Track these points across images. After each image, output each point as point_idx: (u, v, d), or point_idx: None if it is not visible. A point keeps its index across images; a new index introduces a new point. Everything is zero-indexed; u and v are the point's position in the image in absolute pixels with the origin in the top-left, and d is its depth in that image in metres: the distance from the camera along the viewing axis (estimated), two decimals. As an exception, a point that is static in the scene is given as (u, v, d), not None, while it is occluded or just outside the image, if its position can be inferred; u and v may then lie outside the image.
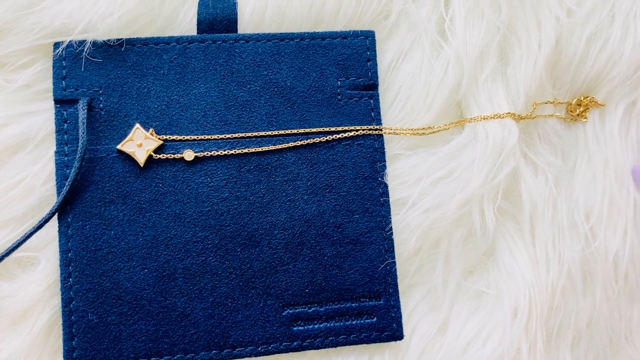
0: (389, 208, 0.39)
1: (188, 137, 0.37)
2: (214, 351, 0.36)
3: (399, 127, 0.40)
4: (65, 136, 0.37)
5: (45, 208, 0.37)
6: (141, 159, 0.36)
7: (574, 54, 0.41)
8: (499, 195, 0.39)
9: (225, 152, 0.38)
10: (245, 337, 0.37)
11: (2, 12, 0.36)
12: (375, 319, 0.38)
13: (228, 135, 0.38)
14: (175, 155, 0.37)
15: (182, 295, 0.36)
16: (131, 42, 0.38)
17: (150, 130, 0.37)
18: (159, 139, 0.37)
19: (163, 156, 0.37)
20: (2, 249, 0.36)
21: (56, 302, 0.36)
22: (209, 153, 0.37)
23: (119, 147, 0.36)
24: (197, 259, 0.37)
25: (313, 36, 0.39)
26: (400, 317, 0.38)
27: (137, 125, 0.37)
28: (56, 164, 0.36)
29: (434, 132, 0.40)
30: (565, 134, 0.42)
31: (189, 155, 0.37)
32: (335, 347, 0.38)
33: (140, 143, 0.36)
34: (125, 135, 0.37)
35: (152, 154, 0.37)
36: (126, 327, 0.36)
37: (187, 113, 0.38)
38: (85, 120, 0.36)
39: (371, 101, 0.40)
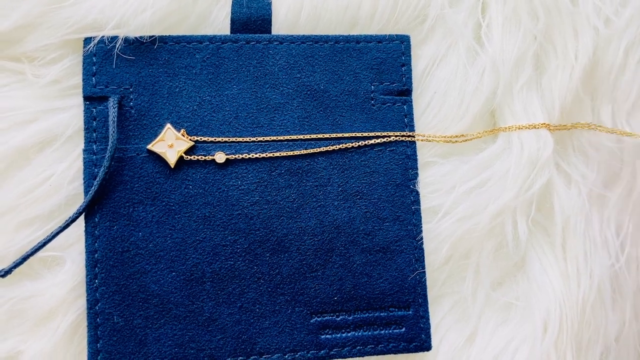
0: (420, 216, 0.38)
1: (219, 139, 0.37)
2: (240, 357, 0.36)
3: (431, 134, 0.39)
4: (94, 134, 0.36)
5: (72, 207, 0.36)
6: (172, 159, 0.36)
7: (612, 64, 0.40)
8: (532, 207, 0.39)
9: (257, 155, 0.37)
10: (273, 344, 0.36)
11: (33, 6, 0.35)
12: (403, 329, 0.37)
13: (260, 138, 0.37)
14: (207, 157, 0.36)
15: (209, 300, 0.36)
16: (163, 40, 0.37)
17: (182, 130, 0.36)
18: (190, 139, 0.36)
19: (194, 157, 0.36)
20: (27, 248, 0.35)
21: (81, 303, 0.36)
22: (240, 156, 0.37)
23: (149, 147, 0.36)
24: (225, 263, 0.36)
25: (348, 39, 0.39)
26: (429, 327, 0.38)
27: (168, 125, 0.36)
28: (84, 163, 0.36)
29: (466, 140, 0.40)
30: (600, 147, 0.41)
31: (220, 157, 0.36)
32: (363, 356, 0.37)
33: (171, 144, 0.36)
34: (155, 135, 0.36)
35: (183, 155, 0.36)
36: (152, 331, 0.35)
37: (219, 114, 0.37)
38: (115, 119, 0.35)
39: (404, 107, 0.39)
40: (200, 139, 0.36)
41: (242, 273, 0.36)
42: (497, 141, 0.40)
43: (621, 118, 0.41)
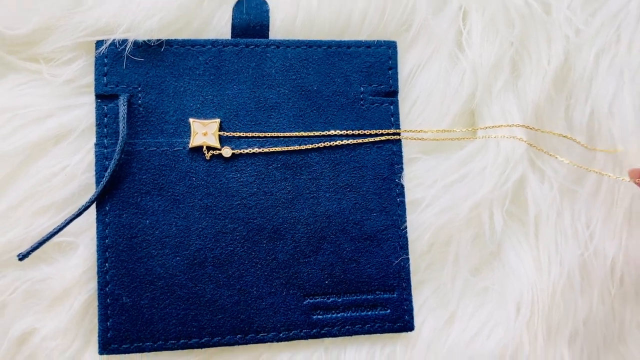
0: (405, 208, 0.42)
1: (221, 133, 0.40)
2: (239, 335, 0.39)
3: (416, 130, 0.43)
4: (105, 129, 0.39)
5: (84, 196, 0.39)
6: (216, 143, 0.39)
7: (584, 69, 0.44)
8: (507, 199, 0.42)
9: (255, 150, 0.40)
10: (268, 323, 0.39)
11: (51, 11, 0.38)
12: (388, 310, 0.41)
13: (258, 134, 0.40)
14: (214, 152, 0.39)
15: (211, 283, 0.39)
16: (169, 43, 0.40)
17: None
18: (213, 121, 0.39)
19: (207, 154, 0.39)
20: (43, 233, 0.38)
21: (92, 285, 0.39)
22: (240, 151, 0.40)
23: (190, 146, 0.39)
24: (226, 249, 0.39)
25: (339, 44, 0.42)
26: (412, 309, 0.41)
27: (191, 119, 0.39)
28: (96, 156, 0.39)
29: (449, 138, 0.43)
30: (572, 144, 0.45)
31: (226, 152, 0.39)
32: (351, 335, 0.40)
33: (205, 132, 0.39)
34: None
35: (205, 152, 0.39)
36: (158, 311, 0.38)
37: (220, 112, 0.40)
38: (125, 116, 0.38)
39: (391, 107, 0.42)
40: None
41: (241, 258, 0.39)
42: (476, 140, 0.43)
43: (600, 118, 0.44)
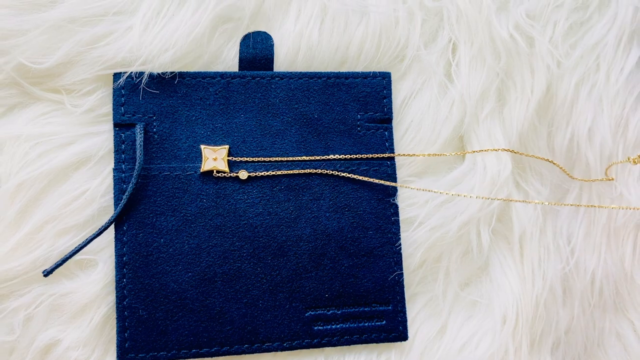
0: (399, 226, 0.45)
1: (230, 158, 0.43)
2: (246, 345, 0.42)
3: (406, 154, 0.46)
4: (123, 155, 0.42)
5: (104, 217, 0.42)
6: (225, 168, 0.42)
7: (565, 98, 0.47)
8: (493, 218, 0.46)
9: (261, 174, 0.43)
10: (273, 334, 0.43)
11: (72, 46, 0.42)
12: (384, 322, 0.44)
13: (263, 159, 0.44)
14: (232, 174, 0.43)
15: (220, 296, 0.42)
16: (182, 76, 0.43)
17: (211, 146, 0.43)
18: (222, 147, 0.43)
19: (221, 174, 0.43)
20: (65, 252, 0.41)
21: (111, 299, 0.42)
22: (247, 174, 0.43)
23: (201, 170, 0.42)
24: (233, 265, 0.42)
25: (338, 75, 0.45)
26: (406, 321, 0.44)
27: (202, 146, 0.42)
28: (114, 180, 0.42)
29: (436, 155, 0.46)
30: (553, 168, 0.48)
31: (243, 174, 0.43)
32: (349, 345, 0.44)
33: (215, 157, 0.42)
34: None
35: (215, 172, 0.42)
36: (172, 323, 0.41)
37: (229, 139, 0.43)
38: (142, 143, 0.42)
39: (386, 133, 0.46)
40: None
41: (247, 274, 0.43)
42: (464, 163, 0.47)
43: (581, 142, 0.48)
